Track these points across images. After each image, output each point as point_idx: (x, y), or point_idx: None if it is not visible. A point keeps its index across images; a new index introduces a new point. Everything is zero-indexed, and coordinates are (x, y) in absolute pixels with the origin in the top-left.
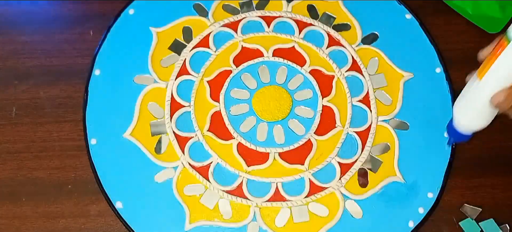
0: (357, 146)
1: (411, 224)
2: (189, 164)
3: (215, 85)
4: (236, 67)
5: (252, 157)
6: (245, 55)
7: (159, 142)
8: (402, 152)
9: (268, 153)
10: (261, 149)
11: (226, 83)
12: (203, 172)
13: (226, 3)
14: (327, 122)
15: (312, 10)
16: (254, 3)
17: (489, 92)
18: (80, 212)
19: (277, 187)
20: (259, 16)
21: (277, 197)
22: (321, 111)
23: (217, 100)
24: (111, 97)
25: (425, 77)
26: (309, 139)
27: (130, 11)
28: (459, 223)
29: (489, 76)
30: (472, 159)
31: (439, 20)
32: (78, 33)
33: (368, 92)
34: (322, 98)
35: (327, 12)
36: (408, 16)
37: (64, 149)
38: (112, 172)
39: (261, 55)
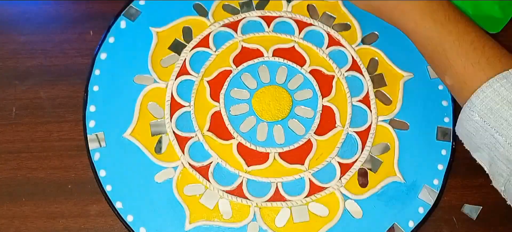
0: (357, 146)
1: (411, 224)
2: (189, 164)
3: (215, 85)
4: (236, 67)
5: (252, 157)
6: (245, 55)
7: (159, 142)
8: (402, 152)
9: (268, 153)
10: (261, 149)
11: (226, 83)
12: (203, 172)
13: (226, 3)
14: (327, 122)
15: (312, 10)
16: (254, 3)
17: None
18: (80, 212)
19: (277, 187)
20: (259, 16)
21: (277, 197)
22: (321, 111)
23: (217, 100)
24: (111, 97)
25: (425, 77)
26: (309, 139)
27: (131, 11)
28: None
29: None
30: (472, 159)
31: None
32: (78, 33)
33: (368, 92)
34: (322, 98)
35: (327, 12)
36: None
37: (64, 149)
38: (112, 172)
39: (261, 55)
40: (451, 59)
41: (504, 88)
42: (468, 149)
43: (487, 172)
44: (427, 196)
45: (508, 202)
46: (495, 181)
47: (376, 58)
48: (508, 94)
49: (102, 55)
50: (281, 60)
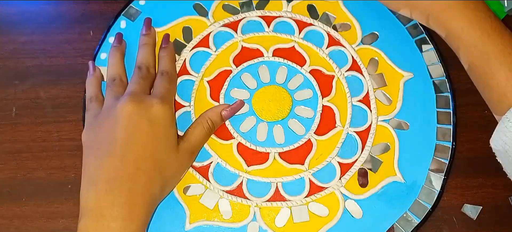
0: (357, 146)
1: (411, 224)
2: None
3: (215, 85)
4: (236, 67)
5: (252, 157)
6: (245, 55)
7: None
8: (402, 152)
9: (268, 153)
10: (261, 149)
11: (226, 83)
12: (203, 172)
13: (226, 3)
14: (327, 122)
15: (312, 10)
16: (254, 3)
17: None
18: None
19: (277, 187)
20: (259, 16)
21: (277, 197)
22: (321, 111)
23: (217, 100)
24: None
25: (425, 77)
26: (309, 139)
27: (131, 11)
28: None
29: None
30: (472, 159)
31: None
32: (78, 33)
33: (368, 92)
34: (322, 98)
35: (327, 12)
36: None
37: (64, 149)
38: None
39: (261, 55)
40: (494, 69)
41: None
42: (502, 165)
43: None
44: (427, 196)
45: None
46: None
47: (376, 58)
48: None
49: (102, 55)
50: (281, 60)
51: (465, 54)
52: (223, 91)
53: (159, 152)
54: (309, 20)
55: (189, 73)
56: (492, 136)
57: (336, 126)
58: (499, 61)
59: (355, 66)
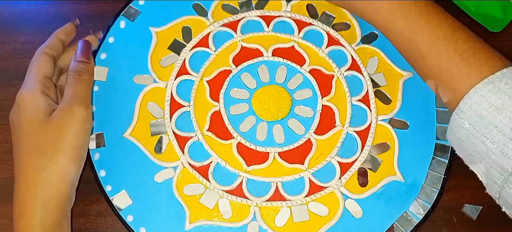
0: (357, 146)
1: (411, 224)
2: (189, 163)
3: (215, 85)
4: (236, 67)
5: (252, 157)
6: (245, 55)
7: (159, 141)
8: (402, 152)
9: (268, 153)
10: (261, 149)
11: (225, 83)
12: (203, 171)
13: (225, 3)
14: (326, 122)
15: (311, 10)
16: (254, 3)
17: None
18: (80, 212)
19: (277, 187)
20: (259, 16)
21: (277, 196)
22: (320, 111)
23: (217, 100)
24: (111, 97)
25: None
26: (309, 139)
27: (130, 11)
28: None
29: None
30: None
31: None
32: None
33: (367, 91)
34: (322, 98)
35: (326, 11)
36: None
37: None
38: (112, 172)
39: (261, 55)
40: (425, 57)
41: (491, 93)
42: (461, 157)
43: (480, 179)
44: (427, 196)
45: (503, 209)
46: (489, 188)
47: (376, 57)
48: (496, 100)
49: (102, 55)
50: (280, 60)
51: (397, 45)
52: (222, 91)
53: None
54: (308, 19)
55: (188, 73)
56: (447, 131)
57: (335, 125)
58: (427, 47)
59: (354, 66)
